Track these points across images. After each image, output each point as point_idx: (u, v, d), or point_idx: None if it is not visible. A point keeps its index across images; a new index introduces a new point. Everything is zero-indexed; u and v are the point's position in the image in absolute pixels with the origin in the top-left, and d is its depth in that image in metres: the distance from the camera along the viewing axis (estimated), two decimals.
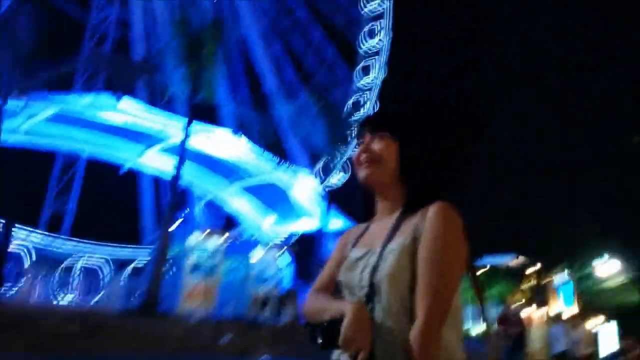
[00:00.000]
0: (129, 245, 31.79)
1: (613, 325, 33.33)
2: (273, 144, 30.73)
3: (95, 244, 28.71)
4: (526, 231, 52.21)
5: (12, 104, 17.30)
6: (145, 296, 17.91)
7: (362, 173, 1.79)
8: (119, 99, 23.01)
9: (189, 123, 20.74)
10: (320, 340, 1.57)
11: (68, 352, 12.66)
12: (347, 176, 39.92)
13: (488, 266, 34.72)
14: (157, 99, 34.84)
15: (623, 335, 24.84)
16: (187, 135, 20.45)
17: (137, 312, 17.53)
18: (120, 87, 23.09)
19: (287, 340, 19.03)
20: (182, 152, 20.25)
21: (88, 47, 37.75)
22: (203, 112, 39.42)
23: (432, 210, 1.66)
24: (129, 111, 23.99)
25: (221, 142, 27.48)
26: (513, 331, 11.83)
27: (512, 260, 37.68)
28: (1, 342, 11.37)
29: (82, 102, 23.04)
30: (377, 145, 1.77)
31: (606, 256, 38.65)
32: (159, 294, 17.91)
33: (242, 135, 27.56)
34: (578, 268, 37.49)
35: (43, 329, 13.40)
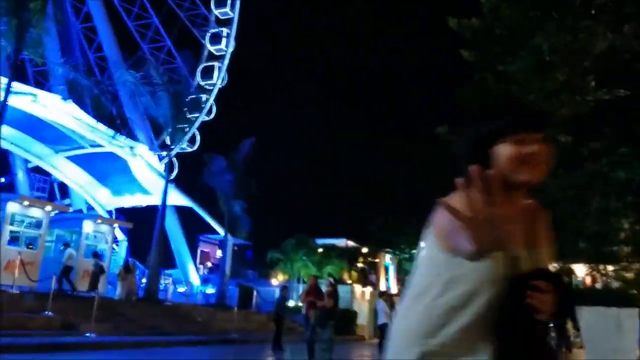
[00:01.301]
0: None
1: None
2: (110, 114, 29.17)
3: None
4: (353, 218, 56.82)
5: None
6: None
7: (541, 173, 1.59)
8: None
9: (9, 81, 18.91)
10: None
11: None
12: (194, 147, 39.53)
13: (323, 247, 37.07)
14: None
15: None
16: (7, 95, 18.63)
17: None
18: None
19: (120, 314, 18.66)
20: (2, 112, 18.43)
21: None
22: (35, 72, 36.14)
23: (544, 216, 1.69)
24: None
25: (48, 106, 25.48)
26: (323, 304, 12.94)
27: (343, 243, 40.61)
28: None
29: None
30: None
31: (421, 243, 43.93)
32: None
33: (71, 101, 25.80)
34: (399, 252, 41.91)
35: None
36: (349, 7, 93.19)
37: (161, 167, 31.39)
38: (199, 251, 40.33)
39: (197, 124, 37.79)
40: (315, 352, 12.97)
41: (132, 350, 14.42)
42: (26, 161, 34.19)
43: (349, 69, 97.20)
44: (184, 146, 37.09)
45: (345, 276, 36.13)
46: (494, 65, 13.13)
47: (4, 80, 19.80)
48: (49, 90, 28.91)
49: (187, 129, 35.63)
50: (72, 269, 20.65)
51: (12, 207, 20.03)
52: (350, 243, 40.52)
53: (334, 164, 78.69)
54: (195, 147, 39.01)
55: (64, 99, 25.50)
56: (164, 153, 31.37)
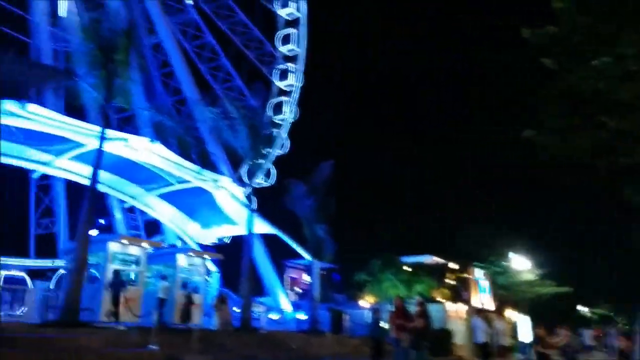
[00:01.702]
0: (46, 257, 30.55)
1: (527, 318, 36.11)
2: (193, 150, 30.55)
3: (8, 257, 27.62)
4: (438, 233, 55.35)
5: None
6: (65, 306, 17.30)
7: None
8: (23, 105, 22.12)
9: (103, 130, 20.28)
10: None
11: None
12: (270, 181, 40.53)
13: (409, 266, 36.23)
14: (70, 106, 33.68)
15: (535, 325, 26.84)
16: (102, 142, 19.97)
17: (56, 323, 16.91)
18: (26, 92, 22.20)
19: (218, 345, 19.09)
20: (98, 159, 19.76)
21: None
22: (118, 118, 38.69)
23: None
24: (36, 118, 23.10)
25: (138, 148, 27.01)
26: (414, 325, 12.34)
27: (430, 260, 39.51)
28: None
29: None
30: None
31: (516, 254, 41.91)
32: (79, 304, 17.36)
33: (158, 142, 27.23)
34: (492, 266, 40.11)
35: None
36: (357, 9, 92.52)
37: (243, 197, 32.30)
38: (287, 277, 40.79)
39: (271, 159, 38.78)
40: None
41: None
42: (121, 202, 36.38)
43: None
44: (259, 181, 38.09)
45: (436, 294, 34.98)
46: (576, 71, 12.48)
47: (98, 128, 21.29)
48: (136, 133, 30.79)
49: (263, 162, 36.67)
50: (166, 301, 21.50)
51: (113, 246, 21.24)
52: (438, 259, 39.34)
53: (412, 179, 77.59)
54: (271, 181, 40.00)
55: (152, 140, 26.96)
56: (245, 185, 32.41)
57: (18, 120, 22.85)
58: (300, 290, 41.16)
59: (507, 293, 40.95)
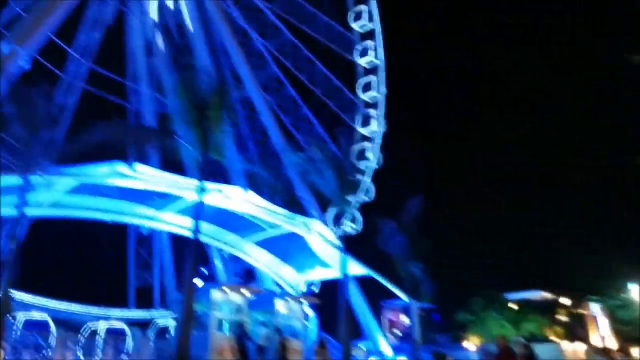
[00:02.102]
0: (146, 307, 32.07)
1: None
2: (284, 196, 31.29)
3: (112, 308, 29.34)
4: (544, 267, 51.71)
5: (34, 179, 18.05)
6: (176, 356, 17.91)
7: None
8: (132, 166, 23.87)
9: (201, 183, 21.32)
10: None
11: None
12: (360, 221, 40.41)
13: (515, 303, 34.19)
14: (170, 163, 35.99)
15: None
16: (201, 194, 20.99)
17: None
18: (133, 153, 24.01)
19: None
20: (199, 210, 20.74)
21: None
22: (214, 171, 40.64)
23: None
24: (143, 176, 24.82)
25: (232, 198, 28.09)
26: None
27: (538, 296, 37.08)
28: None
29: (99, 172, 23.89)
30: None
31: (636, 285, 38.02)
32: (189, 353, 17.93)
33: (251, 190, 28.17)
34: (610, 299, 36.85)
35: None
36: None
37: (335, 239, 32.38)
38: (384, 319, 39.92)
39: (356, 205, 38.81)
40: None
41: None
42: (220, 250, 37.75)
43: None
44: (346, 228, 38.10)
45: (548, 333, 32.59)
46: None
47: (196, 181, 22.41)
48: (229, 184, 32.12)
49: (349, 208, 36.71)
50: (265, 348, 21.65)
51: (215, 294, 21.94)
52: (546, 294, 36.81)
53: (511, 212, 73.93)
54: (358, 228, 39.89)
55: (244, 189, 27.97)
56: (336, 226, 32.50)
57: (127, 180, 24.70)
58: (400, 333, 40.02)
59: (630, 329, 37.15)
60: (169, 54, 41.62)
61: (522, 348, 11.97)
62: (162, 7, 41.74)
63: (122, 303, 37.50)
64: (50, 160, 21.41)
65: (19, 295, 23.80)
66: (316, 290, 35.09)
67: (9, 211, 21.66)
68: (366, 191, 40.43)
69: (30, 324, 18.13)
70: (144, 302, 39.41)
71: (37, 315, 20.04)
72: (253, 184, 28.66)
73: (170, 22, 42.00)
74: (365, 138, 42.12)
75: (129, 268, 42.95)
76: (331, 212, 35.90)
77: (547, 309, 35.24)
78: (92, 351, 17.90)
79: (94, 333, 19.64)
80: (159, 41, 41.88)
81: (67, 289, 31.07)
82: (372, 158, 40.84)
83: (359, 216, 39.86)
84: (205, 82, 22.29)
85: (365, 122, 42.69)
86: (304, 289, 35.41)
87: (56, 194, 25.22)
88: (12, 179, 19.59)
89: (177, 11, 41.77)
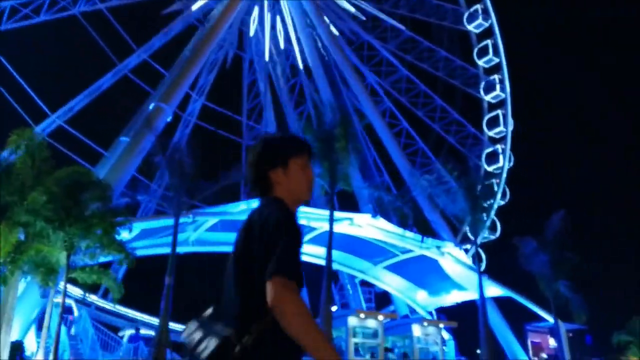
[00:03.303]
0: None
1: None
2: (412, 220, 31.19)
3: None
4: None
5: (182, 219, 20.09)
6: None
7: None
8: None
9: (332, 213, 22.15)
10: None
11: None
12: (496, 234, 38.81)
13: None
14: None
15: None
16: (331, 224, 21.79)
17: None
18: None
19: None
20: (330, 239, 21.54)
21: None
22: (343, 200, 41.75)
23: None
24: None
25: (362, 225, 28.64)
26: None
27: None
28: None
29: (237, 210, 25.82)
30: None
31: None
32: None
33: (379, 217, 28.50)
34: None
35: None
36: None
37: (469, 260, 31.44)
38: (529, 342, 37.57)
39: (493, 211, 37.39)
40: None
41: None
42: (352, 277, 38.41)
43: None
44: (486, 235, 36.76)
45: None
46: None
47: (326, 212, 23.32)
48: (358, 211, 32.76)
49: (485, 217, 35.39)
50: None
51: (352, 321, 22.45)
52: None
53: None
54: (497, 235, 38.24)
55: (373, 216, 28.40)
56: (468, 246, 31.57)
57: None
58: (546, 357, 37.37)
59: None
60: (287, 90, 43.96)
61: None
62: (276, 45, 44.10)
63: None
64: (194, 202, 23.76)
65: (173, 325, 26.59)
66: (453, 312, 34.20)
67: (163, 249, 24.30)
68: (503, 195, 38.93)
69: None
70: None
71: None
72: (381, 209, 28.99)
73: (283, 60, 44.30)
74: (490, 175, 40.67)
75: None
76: (464, 228, 35.01)
77: None
78: None
79: None
80: (280, 80, 44.42)
81: None
82: (502, 162, 39.52)
83: (497, 222, 38.36)
84: (329, 115, 23.32)
85: (491, 159, 41.26)
86: (437, 311, 34.72)
87: (199, 232, 27.66)
88: (165, 222, 22.02)
89: (290, 49, 43.89)
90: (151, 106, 29.11)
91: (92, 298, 23.06)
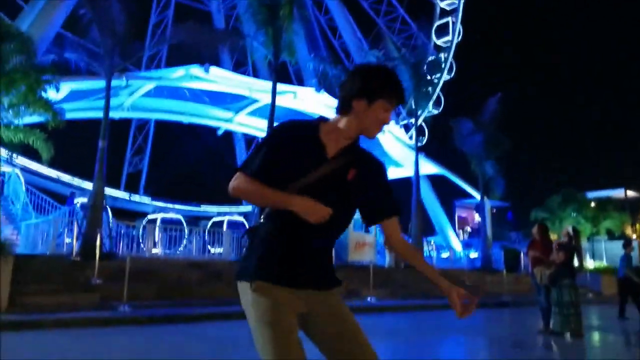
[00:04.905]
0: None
1: None
2: None
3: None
4: (629, 163, 49.01)
5: (114, 82, 19.05)
6: None
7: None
8: (207, 69, 24.47)
9: (274, 85, 21.59)
10: None
11: (191, 297, 14.33)
12: (440, 109, 39.68)
13: (595, 201, 33.15)
14: (242, 65, 36.49)
15: None
16: (274, 97, 21.34)
17: None
18: (206, 57, 24.46)
19: (392, 281, 19.98)
20: (272, 113, 21.23)
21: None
22: (286, 72, 40.77)
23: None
24: (217, 79, 25.50)
25: (305, 99, 28.34)
26: (553, 259, 9.92)
27: (621, 194, 35.63)
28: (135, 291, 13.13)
29: (174, 75, 24.79)
30: None
31: None
32: None
33: (324, 91, 28.14)
34: None
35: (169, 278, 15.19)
36: None
37: (408, 139, 32.18)
38: (456, 217, 40.32)
39: (439, 85, 37.84)
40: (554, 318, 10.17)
41: (408, 312, 15.24)
42: None
43: None
44: (430, 109, 37.47)
45: (629, 231, 31.68)
46: None
47: (269, 84, 22.75)
48: (302, 85, 32.21)
49: (431, 91, 35.82)
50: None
51: None
52: (631, 193, 35.27)
53: (596, 105, 69.41)
54: (441, 109, 38.99)
55: (317, 90, 28.03)
56: (412, 121, 32.02)
57: (202, 83, 25.52)
58: (470, 230, 40.45)
59: None
60: None
61: (565, 235, 10.83)
62: None
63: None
64: (130, 65, 22.47)
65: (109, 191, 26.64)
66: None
67: (95, 114, 23.44)
68: (449, 69, 39.42)
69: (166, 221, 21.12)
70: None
71: (172, 215, 23.30)
72: (326, 84, 28.51)
73: None
74: (445, 12, 40.44)
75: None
76: (408, 103, 35.52)
77: (631, 208, 33.93)
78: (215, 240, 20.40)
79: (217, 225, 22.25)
80: None
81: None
82: (453, 33, 39.55)
83: (442, 97, 39.12)
84: None
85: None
86: None
87: (135, 97, 26.69)
88: (96, 83, 20.89)
89: None
90: None
91: (23, 162, 22.31)
